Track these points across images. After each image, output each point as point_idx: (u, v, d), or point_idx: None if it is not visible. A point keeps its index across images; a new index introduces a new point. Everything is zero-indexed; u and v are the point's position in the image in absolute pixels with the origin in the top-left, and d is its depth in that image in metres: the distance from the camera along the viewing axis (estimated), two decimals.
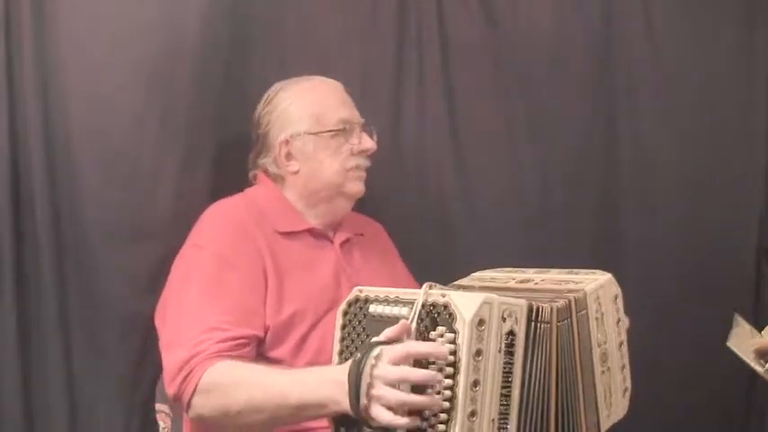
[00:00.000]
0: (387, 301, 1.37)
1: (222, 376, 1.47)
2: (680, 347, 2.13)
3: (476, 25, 2.09)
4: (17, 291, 1.75)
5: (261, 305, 1.61)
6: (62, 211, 1.79)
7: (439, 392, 1.26)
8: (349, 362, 1.30)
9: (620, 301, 1.56)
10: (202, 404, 1.48)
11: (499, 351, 1.30)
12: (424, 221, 2.06)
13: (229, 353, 1.51)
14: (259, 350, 1.60)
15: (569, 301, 1.45)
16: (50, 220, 1.78)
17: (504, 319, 1.31)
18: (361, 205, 1.90)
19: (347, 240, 1.79)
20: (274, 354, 1.61)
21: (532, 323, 1.36)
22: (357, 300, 1.41)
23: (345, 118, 1.76)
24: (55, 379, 1.78)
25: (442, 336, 1.28)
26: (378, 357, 1.28)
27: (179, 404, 1.55)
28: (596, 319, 1.51)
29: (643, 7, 2.14)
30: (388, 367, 1.27)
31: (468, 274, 1.68)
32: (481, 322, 1.28)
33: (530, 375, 1.36)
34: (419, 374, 1.26)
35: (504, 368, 1.32)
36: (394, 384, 1.26)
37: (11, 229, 1.75)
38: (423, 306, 1.31)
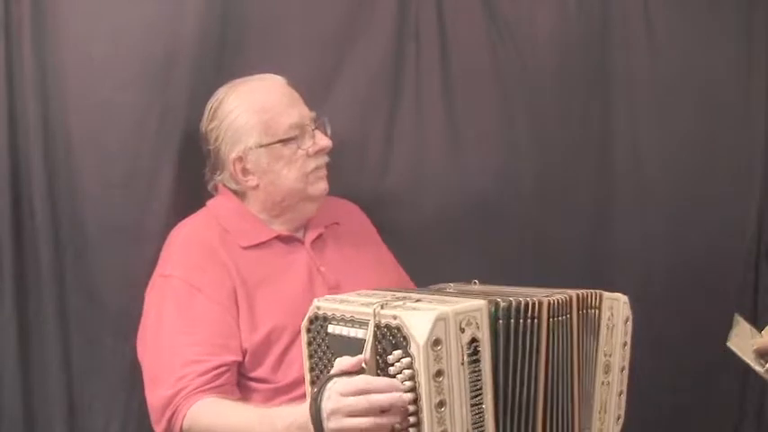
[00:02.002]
0: (344, 321, 1.35)
1: (203, 417, 1.50)
2: (678, 347, 2.13)
3: (475, 22, 2.08)
4: (17, 291, 1.75)
5: (236, 328, 1.61)
6: (61, 211, 1.79)
7: (406, 417, 1.26)
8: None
9: (629, 326, 1.53)
10: None
11: (462, 364, 1.28)
12: (422, 221, 2.05)
13: (210, 385, 1.53)
14: (240, 371, 1.61)
15: (569, 297, 1.43)
16: (50, 220, 1.78)
17: (462, 330, 1.28)
18: (360, 206, 1.90)
19: (319, 236, 1.76)
20: (255, 374, 1.61)
21: (500, 321, 1.32)
22: (317, 317, 1.41)
23: (295, 122, 1.69)
24: (54, 379, 1.79)
25: (399, 360, 1.26)
26: (332, 390, 1.28)
27: None
28: (607, 327, 1.49)
29: (643, 8, 2.13)
30: (344, 399, 1.27)
31: (469, 277, 1.67)
32: (437, 342, 1.25)
33: (505, 375, 1.33)
34: (381, 399, 1.26)
35: (471, 377, 1.29)
36: (354, 413, 1.26)
37: (10, 228, 1.75)
38: (378, 327, 1.29)
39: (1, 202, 1.74)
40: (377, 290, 1.52)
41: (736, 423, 2.23)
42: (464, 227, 2.07)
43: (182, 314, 1.60)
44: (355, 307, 1.36)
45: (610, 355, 1.50)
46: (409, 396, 1.26)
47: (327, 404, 1.28)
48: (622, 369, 1.53)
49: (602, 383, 1.49)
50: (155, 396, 1.57)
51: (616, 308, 1.50)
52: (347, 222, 1.85)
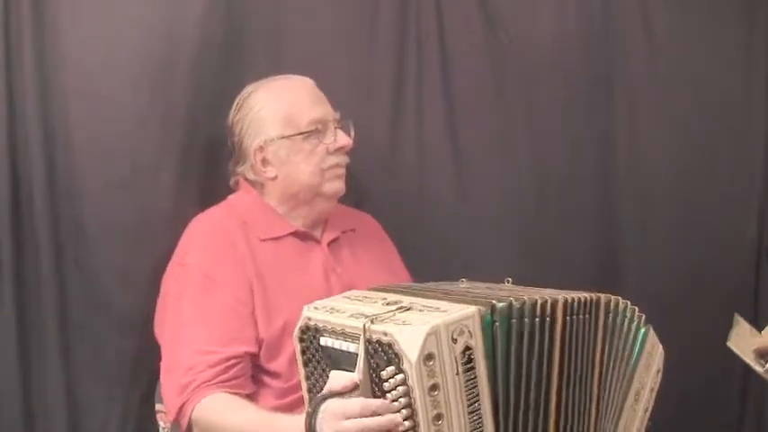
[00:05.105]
0: (335, 333, 1.35)
1: (209, 414, 1.53)
2: (679, 348, 2.12)
3: (475, 25, 2.08)
4: (17, 290, 1.75)
5: (251, 319, 1.62)
6: (61, 210, 1.79)
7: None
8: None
9: (659, 377, 1.53)
10: None
11: (457, 374, 1.26)
12: (422, 224, 2.05)
13: (220, 378, 1.54)
14: (256, 362, 1.62)
15: (598, 297, 1.41)
16: (50, 220, 1.78)
17: (455, 340, 1.25)
18: (360, 208, 1.90)
19: (335, 239, 1.78)
20: (271, 366, 1.62)
21: (497, 323, 1.30)
22: (308, 328, 1.40)
23: (317, 117, 1.72)
24: (54, 379, 1.79)
25: (392, 377, 1.25)
26: (325, 412, 1.29)
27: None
28: (647, 358, 1.49)
29: (642, 6, 2.13)
30: (338, 422, 1.28)
31: (467, 278, 1.65)
32: (429, 357, 1.23)
33: (506, 377, 1.32)
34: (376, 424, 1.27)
35: (467, 386, 1.27)
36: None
37: (10, 229, 1.75)
38: (369, 343, 1.27)
39: (1, 202, 1.74)
40: (369, 290, 1.52)
41: (737, 423, 2.22)
42: (464, 228, 2.07)
43: (197, 304, 1.62)
44: (345, 319, 1.34)
45: (642, 388, 1.49)
46: (406, 424, 1.26)
47: (322, 426, 1.29)
48: (646, 410, 1.52)
49: (631, 405, 1.48)
50: (168, 383, 1.60)
51: (655, 350, 1.51)
52: (363, 230, 1.87)
